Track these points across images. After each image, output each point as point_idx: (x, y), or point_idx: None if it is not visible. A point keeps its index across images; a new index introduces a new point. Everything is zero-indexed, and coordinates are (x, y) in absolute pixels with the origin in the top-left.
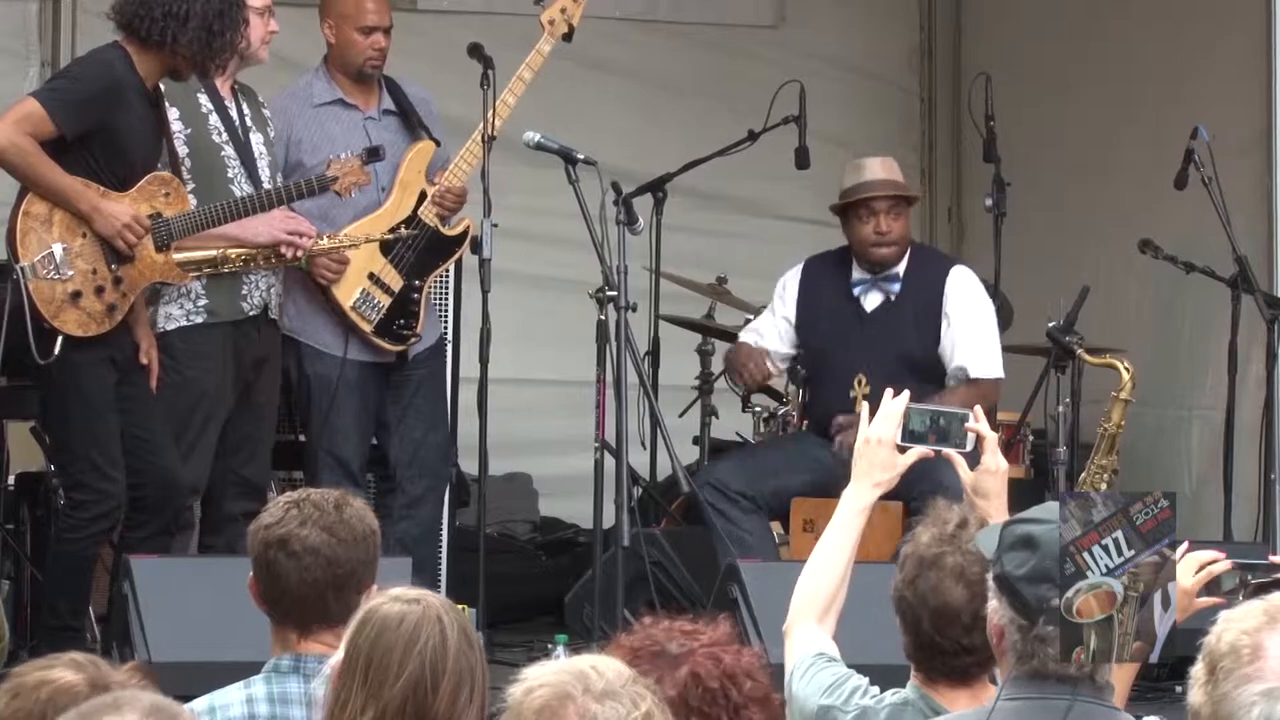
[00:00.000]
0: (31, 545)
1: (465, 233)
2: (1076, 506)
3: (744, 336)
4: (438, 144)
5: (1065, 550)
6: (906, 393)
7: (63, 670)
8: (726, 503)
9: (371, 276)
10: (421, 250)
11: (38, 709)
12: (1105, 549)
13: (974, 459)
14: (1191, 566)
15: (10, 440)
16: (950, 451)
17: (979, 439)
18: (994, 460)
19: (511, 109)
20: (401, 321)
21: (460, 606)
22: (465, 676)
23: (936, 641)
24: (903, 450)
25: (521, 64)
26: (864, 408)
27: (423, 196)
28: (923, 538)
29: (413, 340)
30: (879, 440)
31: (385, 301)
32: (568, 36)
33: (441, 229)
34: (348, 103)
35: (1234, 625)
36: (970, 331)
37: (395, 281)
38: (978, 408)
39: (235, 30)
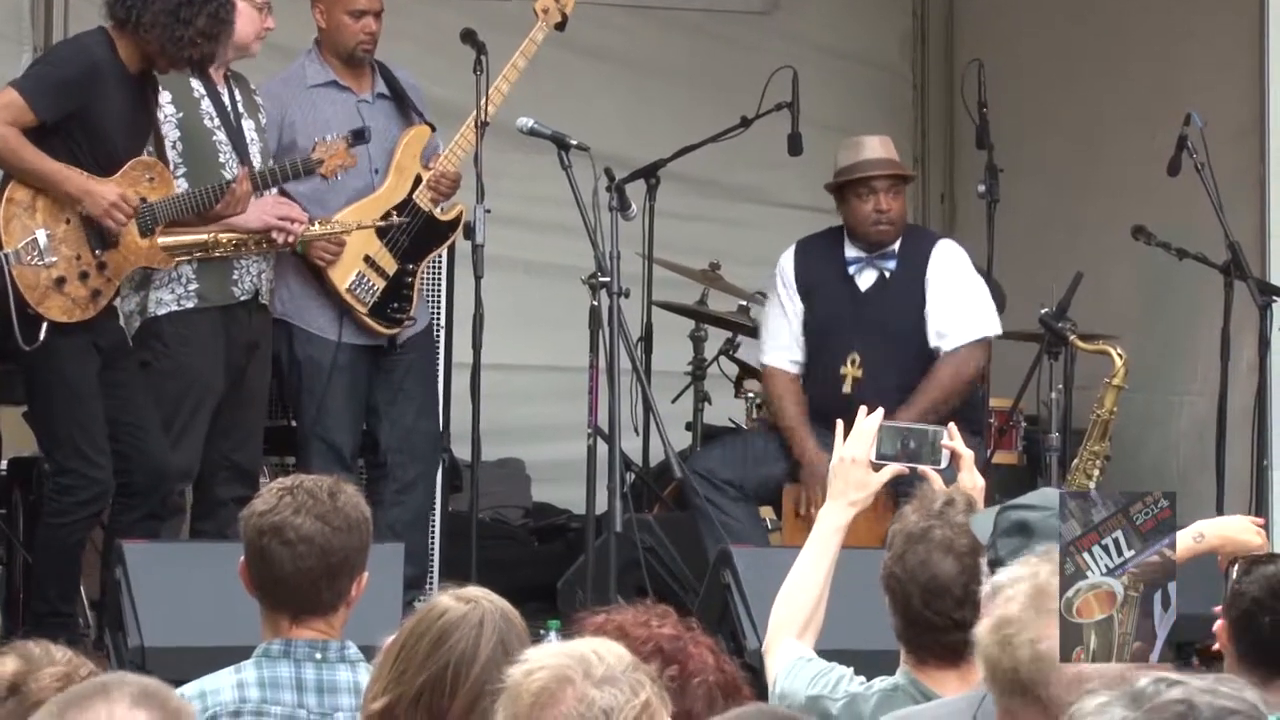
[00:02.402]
0: (24, 530)
1: (458, 218)
2: (1077, 506)
3: (773, 361)
4: (433, 129)
5: (1065, 550)
6: (880, 411)
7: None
8: (715, 492)
9: (367, 259)
10: (415, 235)
11: None
12: (1105, 549)
13: (950, 475)
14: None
15: (3, 425)
16: (926, 469)
17: (955, 456)
18: (970, 478)
19: (505, 96)
20: (395, 305)
21: None
22: (489, 688)
23: (927, 617)
24: (877, 468)
25: (515, 52)
26: (839, 426)
27: (417, 181)
28: (910, 516)
29: (406, 323)
30: (853, 459)
31: (380, 284)
32: (561, 25)
33: (435, 214)
34: (341, 85)
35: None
36: (945, 304)
37: (390, 265)
38: (952, 425)
39: (213, 23)
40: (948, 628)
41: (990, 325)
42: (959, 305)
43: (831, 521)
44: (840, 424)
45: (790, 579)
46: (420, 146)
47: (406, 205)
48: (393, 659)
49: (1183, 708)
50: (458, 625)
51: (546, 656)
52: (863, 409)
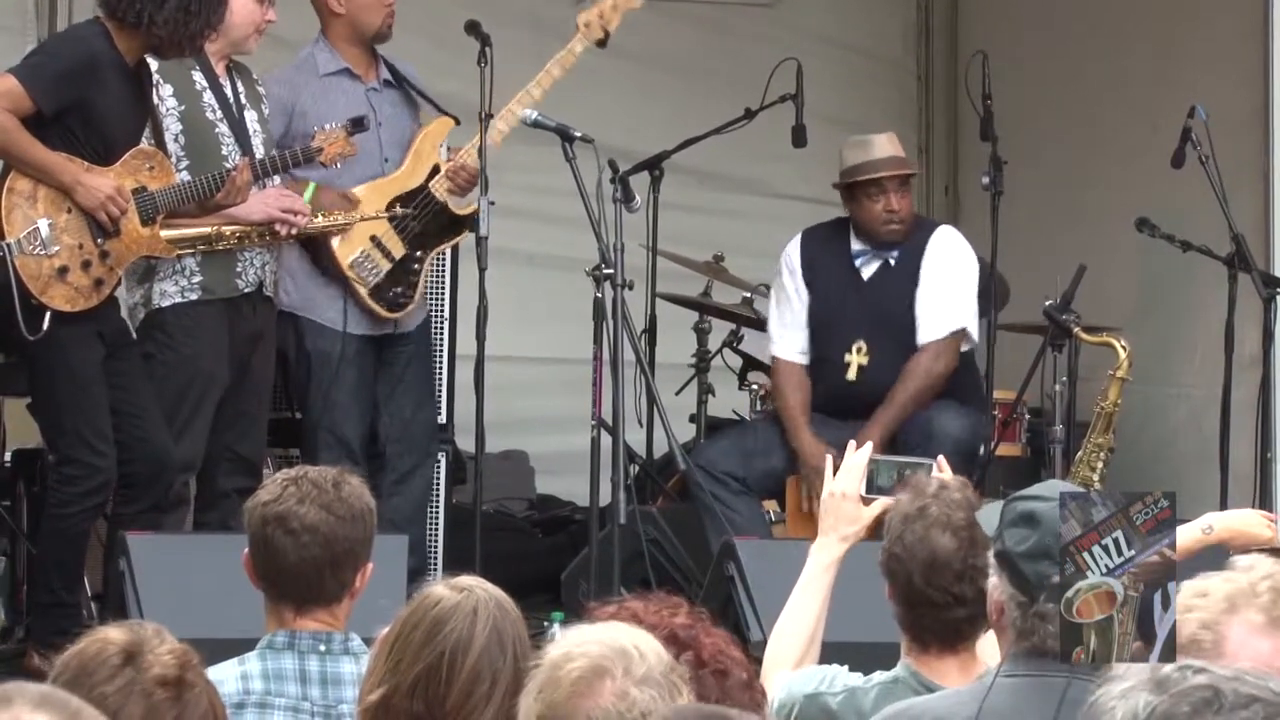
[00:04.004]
0: (28, 522)
1: (474, 214)
2: (1077, 507)
3: (782, 353)
4: (457, 122)
5: (1065, 550)
6: (869, 445)
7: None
8: (716, 485)
9: (374, 239)
10: (429, 222)
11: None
12: (1105, 549)
13: None
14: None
15: (7, 416)
16: None
17: None
18: None
19: (537, 100)
20: (399, 290)
21: None
22: (484, 676)
23: (928, 595)
24: (867, 503)
25: (552, 59)
26: (829, 461)
27: (435, 171)
28: (905, 499)
29: (410, 308)
30: (843, 494)
31: (384, 266)
32: (603, 42)
33: (451, 206)
34: (353, 73)
35: (1194, 615)
36: (930, 292)
37: (397, 248)
38: (940, 458)
39: (214, 10)
40: (948, 604)
41: (966, 318)
42: (941, 295)
43: (823, 558)
44: (830, 459)
45: (784, 615)
46: (440, 136)
47: (420, 192)
48: (388, 650)
49: (1208, 693)
50: (451, 614)
51: (586, 643)
52: (851, 443)
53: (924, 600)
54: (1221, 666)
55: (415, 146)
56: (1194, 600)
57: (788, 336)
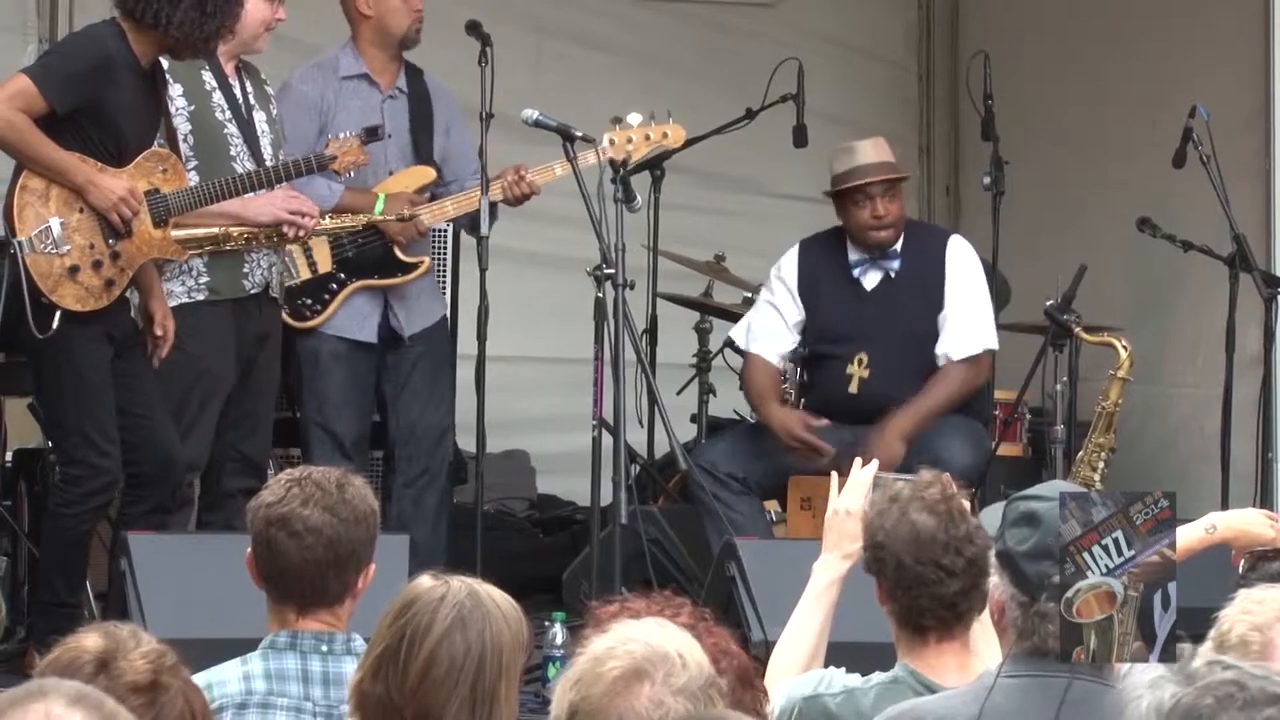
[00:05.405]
0: (29, 522)
1: (415, 266)
2: (1077, 507)
3: (759, 350)
4: (439, 173)
5: (1065, 550)
6: (875, 462)
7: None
8: (718, 485)
9: (304, 244)
10: (366, 252)
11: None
12: (1105, 549)
13: None
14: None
15: (8, 416)
16: None
17: None
18: None
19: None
20: (308, 301)
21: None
22: (441, 661)
23: (919, 572)
24: None
25: (557, 163)
26: (833, 478)
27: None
28: (877, 500)
29: (311, 322)
30: (847, 511)
31: (304, 274)
32: (621, 164)
33: (399, 251)
34: (372, 79)
35: (1246, 618)
36: (960, 309)
37: (325, 262)
38: (947, 475)
39: (229, 11)
40: (940, 579)
41: (994, 338)
42: (977, 312)
43: (826, 575)
44: (835, 476)
45: (787, 631)
46: (418, 183)
47: (372, 228)
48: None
49: (1233, 688)
50: (418, 599)
51: (632, 642)
52: (858, 460)
53: (917, 579)
54: (1253, 665)
55: (386, 183)
56: (1251, 605)
57: (771, 337)
